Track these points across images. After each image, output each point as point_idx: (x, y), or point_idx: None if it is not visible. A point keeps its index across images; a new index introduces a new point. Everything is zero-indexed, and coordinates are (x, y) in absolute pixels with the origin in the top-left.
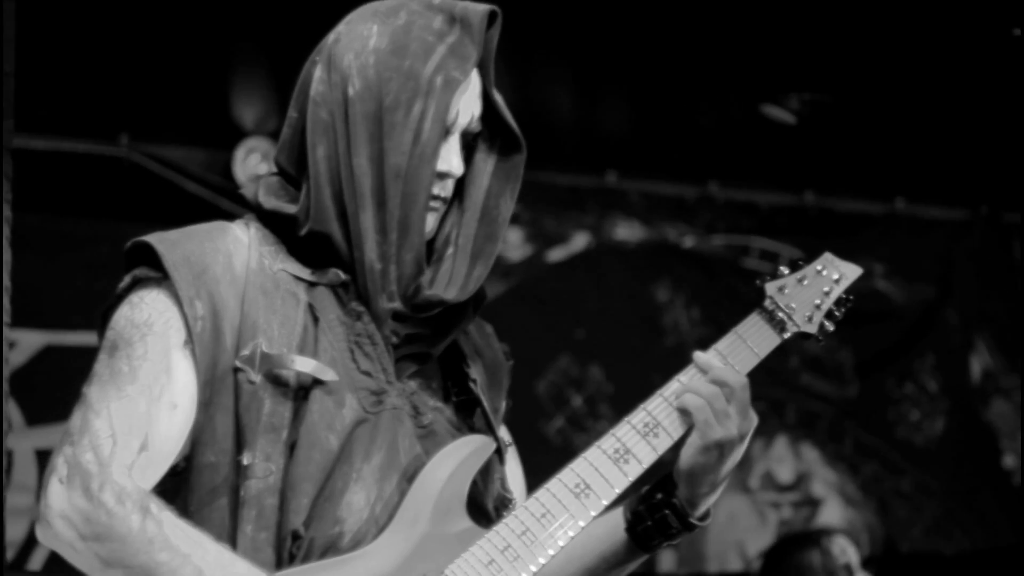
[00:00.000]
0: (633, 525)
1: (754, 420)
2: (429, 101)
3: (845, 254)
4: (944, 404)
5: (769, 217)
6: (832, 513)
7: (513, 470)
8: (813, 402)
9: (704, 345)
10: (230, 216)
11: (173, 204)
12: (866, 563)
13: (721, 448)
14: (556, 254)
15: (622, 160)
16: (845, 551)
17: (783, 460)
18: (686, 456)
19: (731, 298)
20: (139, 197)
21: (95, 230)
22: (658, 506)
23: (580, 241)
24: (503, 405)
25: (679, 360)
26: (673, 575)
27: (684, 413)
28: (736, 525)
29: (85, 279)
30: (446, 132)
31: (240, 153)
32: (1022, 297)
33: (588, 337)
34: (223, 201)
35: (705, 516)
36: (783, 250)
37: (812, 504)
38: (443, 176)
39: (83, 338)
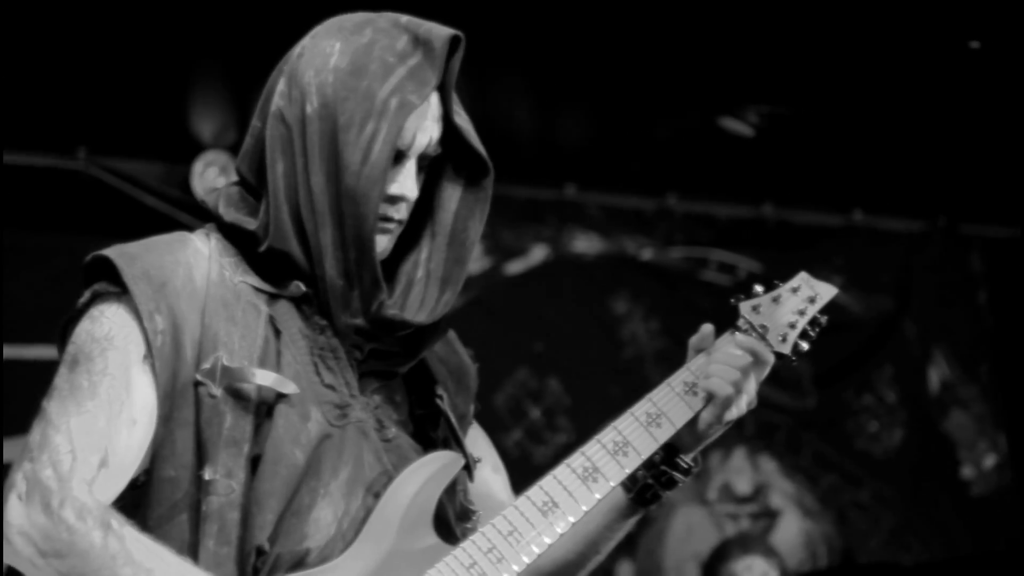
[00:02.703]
0: (634, 488)
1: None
2: (381, 123)
3: (803, 266)
4: (902, 415)
5: (727, 229)
6: (790, 524)
7: (481, 445)
8: (771, 413)
9: (662, 357)
10: (189, 230)
11: (131, 218)
12: (824, 575)
13: (728, 422)
14: (514, 267)
15: (580, 173)
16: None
17: (741, 471)
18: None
19: (690, 310)
20: (97, 211)
21: (53, 244)
22: (655, 465)
23: (538, 254)
24: (471, 410)
25: (637, 372)
26: None
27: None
28: (694, 537)
29: (43, 293)
30: (401, 155)
31: (198, 167)
32: (980, 308)
33: (546, 350)
34: (181, 215)
35: (697, 460)
36: (741, 262)
37: (770, 515)
38: (396, 199)
39: (40, 352)
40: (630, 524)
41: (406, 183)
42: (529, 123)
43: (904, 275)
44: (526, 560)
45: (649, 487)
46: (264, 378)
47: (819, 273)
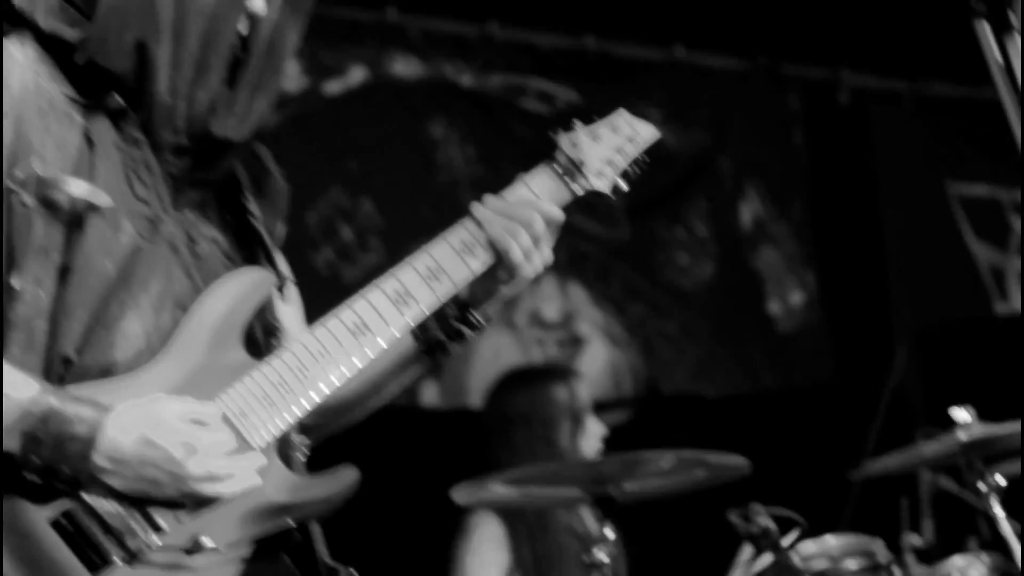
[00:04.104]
0: (423, 336)
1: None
2: None
3: (622, 98)
4: (713, 249)
5: (548, 58)
6: (596, 352)
7: (293, 306)
8: (583, 242)
9: (477, 183)
10: None
11: None
12: (628, 403)
13: (520, 279)
14: (333, 87)
15: None
16: (582, 394)
17: (550, 298)
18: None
19: (506, 138)
20: None
21: None
22: (446, 318)
23: (357, 75)
24: (280, 229)
25: (452, 196)
26: (436, 409)
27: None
28: (500, 361)
29: None
30: None
31: None
32: (795, 148)
33: (361, 170)
34: None
35: (488, 315)
36: (560, 92)
37: (577, 343)
38: (246, 15)
39: None
40: (414, 373)
41: (256, 1)
42: None
43: (722, 112)
44: (336, 382)
45: (436, 338)
46: (77, 188)
47: (638, 106)
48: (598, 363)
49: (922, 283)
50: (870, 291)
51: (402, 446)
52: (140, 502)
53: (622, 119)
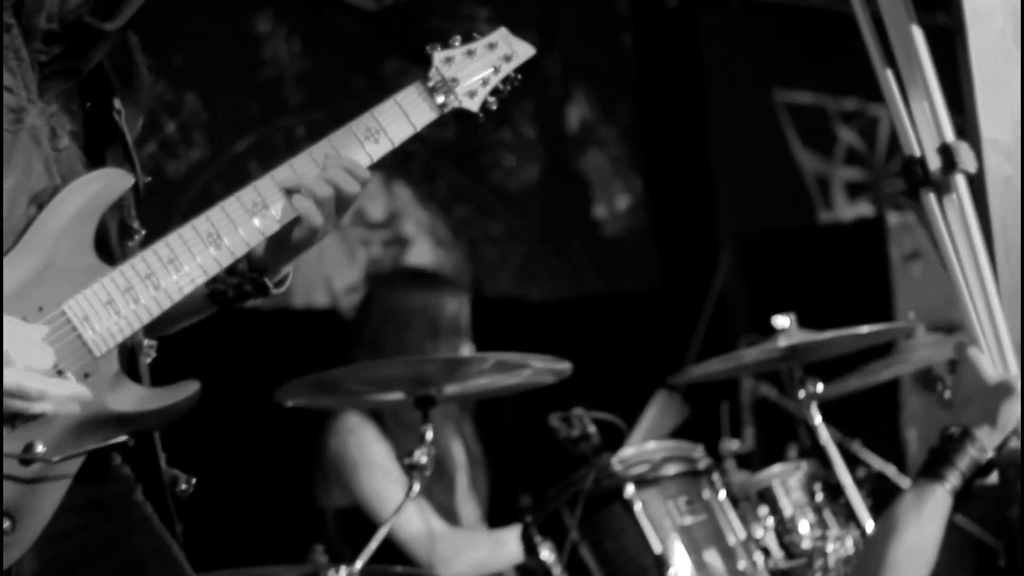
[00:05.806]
0: (212, 287)
1: None
2: None
3: None
4: (540, 151)
5: None
6: (421, 253)
7: None
8: (407, 142)
9: (302, 78)
10: None
11: None
12: None
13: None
14: None
15: None
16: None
17: (375, 198)
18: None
19: (333, 33)
20: None
21: None
22: (238, 275)
23: None
24: (140, 123)
25: (276, 91)
26: (257, 308)
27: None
28: (324, 260)
29: None
30: None
31: None
32: (623, 51)
33: (185, 64)
34: None
35: (282, 281)
36: None
37: (401, 243)
38: None
39: None
40: (201, 315)
41: None
42: None
43: (551, 13)
44: (185, 290)
45: (224, 293)
46: None
47: (464, 5)
48: (423, 264)
49: (747, 190)
50: (696, 197)
51: (222, 346)
52: None
53: (500, 37)
